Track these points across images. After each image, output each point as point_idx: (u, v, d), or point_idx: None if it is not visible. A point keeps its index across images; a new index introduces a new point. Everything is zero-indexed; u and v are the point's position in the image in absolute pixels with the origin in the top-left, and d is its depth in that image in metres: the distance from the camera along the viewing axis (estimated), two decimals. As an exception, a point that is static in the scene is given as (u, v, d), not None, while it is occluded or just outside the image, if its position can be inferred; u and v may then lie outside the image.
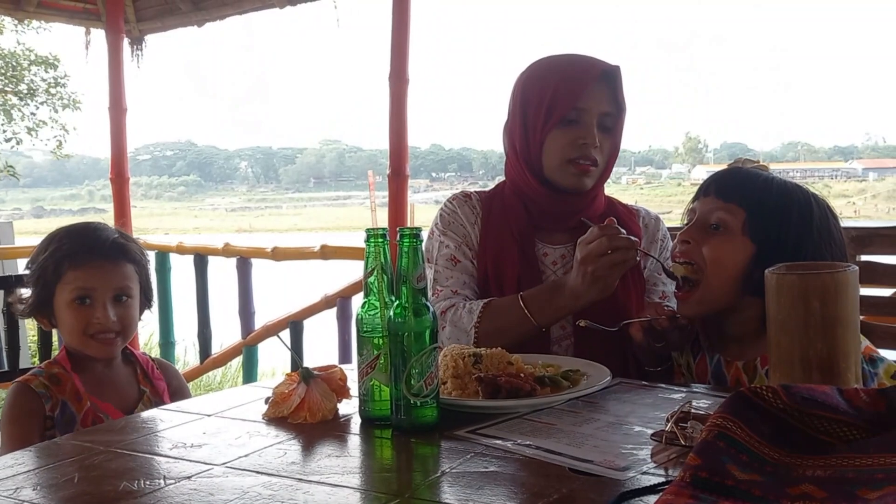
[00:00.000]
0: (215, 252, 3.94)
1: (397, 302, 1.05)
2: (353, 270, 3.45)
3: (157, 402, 1.52)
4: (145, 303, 1.56)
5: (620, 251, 1.29)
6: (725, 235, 1.28)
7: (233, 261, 3.84)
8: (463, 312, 1.45)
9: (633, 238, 1.33)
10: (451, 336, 1.45)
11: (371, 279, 1.10)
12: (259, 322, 3.85)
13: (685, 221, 1.37)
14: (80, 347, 1.47)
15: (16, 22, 13.04)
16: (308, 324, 3.61)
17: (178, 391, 1.60)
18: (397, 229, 1.06)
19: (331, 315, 3.46)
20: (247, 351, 3.87)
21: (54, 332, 2.04)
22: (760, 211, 1.27)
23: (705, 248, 1.28)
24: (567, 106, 1.48)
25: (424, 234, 1.14)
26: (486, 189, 1.68)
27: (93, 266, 1.46)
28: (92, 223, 1.58)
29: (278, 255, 3.70)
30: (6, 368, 2.15)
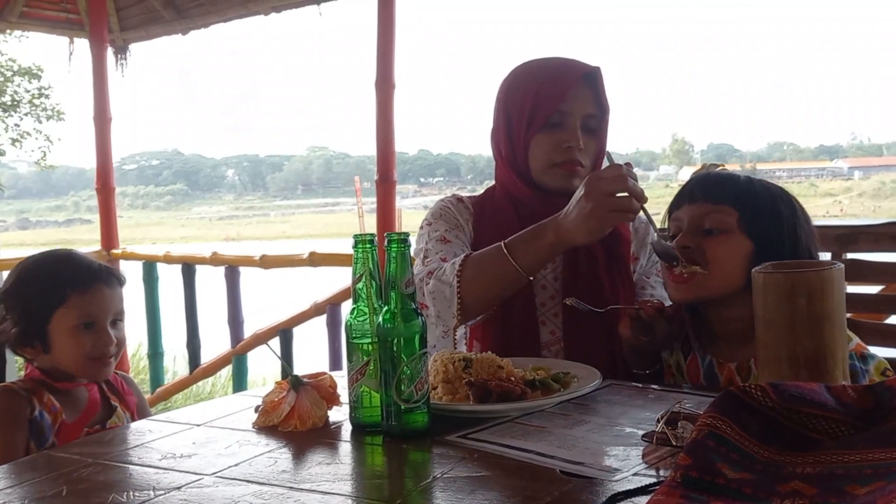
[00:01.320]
0: (203, 261, 3.93)
1: (386, 307, 1.05)
2: (342, 277, 3.44)
3: (129, 417, 1.53)
4: None
5: (629, 199, 1.25)
6: (723, 235, 1.28)
7: (221, 269, 3.83)
8: (447, 266, 1.42)
9: (644, 193, 1.30)
10: (433, 290, 1.40)
11: (359, 285, 1.10)
12: (248, 331, 3.83)
13: (669, 230, 1.36)
14: (77, 371, 1.48)
15: (-2, 32, 12.96)
16: (297, 331, 3.60)
17: (140, 407, 1.61)
18: (385, 234, 1.06)
19: (320, 322, 3.45)
20: (236, 360, 3.85)
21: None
22: (753, 208, 1.28)
23: (705, 249, 1.27)
24: (549, 109, 1.48)
25: (412, 240, 1.13)
26: (476, 194, 1.67)
27: (95, 291, 1.48)
28: (68, 250, 1.59)
29: (267, 262, 3.70)
30: (-7, 382, 2.12)
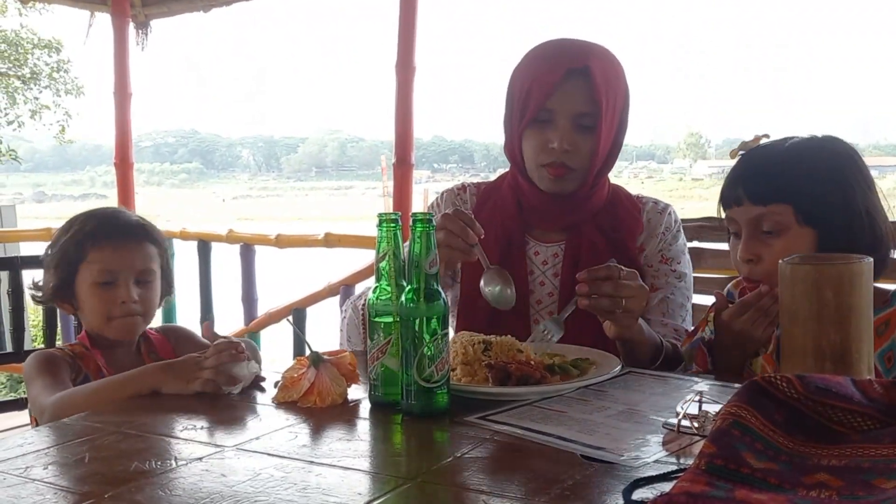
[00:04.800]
0: (219, 238, 3.93)
1: (409, 287, 1.05)
2: (357, 259, 3.45)
3: None
4: (166, 288, 1.54)
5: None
6: (784, 235, 1.20)
7: (236, 247, 3.84)
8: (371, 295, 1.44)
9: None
10: (349, 319, 1.48)
11: (383, 264, 1.09)
12: (262, 309, 3.85)
13: (729, 227, 1.28)
14: (101, 330, 1.46)
15: (18, 4, 12.99)
16: (310, 311, 3.61)
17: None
18: (411, 214, 1.06)
19: (333, 303, 3.46)
20: (249, 338, 3.87)
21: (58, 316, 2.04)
22: (804, 195, 1.20)
23: (766, 256, 1.21)
24: (537, 106, 1.41)
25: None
26: (489, 181, 1.63)
27: (116, 246, 1.45)
28: (113, 207, 1.57)
29: (282, 242, 3.70)
30: (10, 350, 2.15)
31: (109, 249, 1.44)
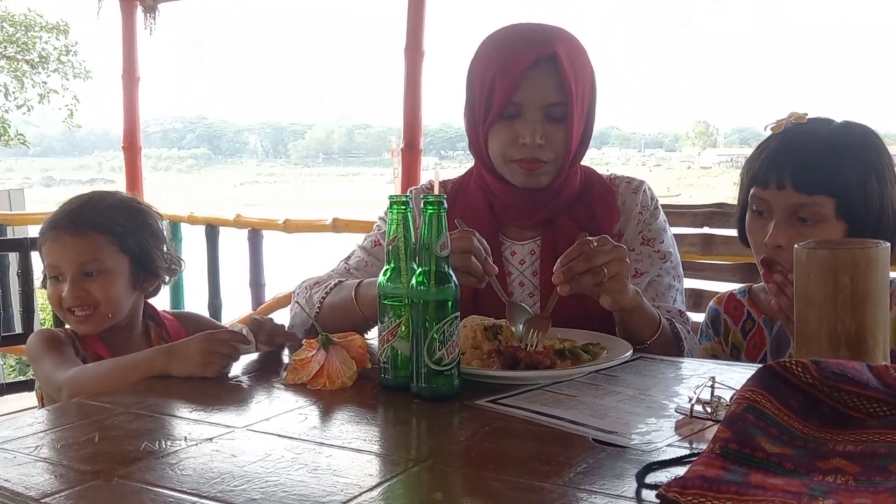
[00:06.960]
0: (227, 223, 3.94)
1: (420, 270, 1.04)
2: (365, 244, 3.44)
3: None
4: (147, 276, 1.49)
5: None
6: (820, 226, 1.18)
7: (244, 232, 3.84)
8: (320, 289, 1.40)
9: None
10: (297, 307, 1.43)
11: (393, 246, 1.09)
12: (269, 294, 3.85)
13: (750, 204, 1.24)
14: (66, 322, 1.45)
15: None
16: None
17: None
18: (422, 197, 1.05)
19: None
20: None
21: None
22: (848, 191, 1.18)
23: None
24: (503, 100, 1.33)
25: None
26: (453, 179, 1.55)
27: (56, 241, 1.41)
28: (89, 193, 1.51)
29: (290, 227, 3.70)
30: (20, 332, 2.16)
31: (52, 243, 1.42)
